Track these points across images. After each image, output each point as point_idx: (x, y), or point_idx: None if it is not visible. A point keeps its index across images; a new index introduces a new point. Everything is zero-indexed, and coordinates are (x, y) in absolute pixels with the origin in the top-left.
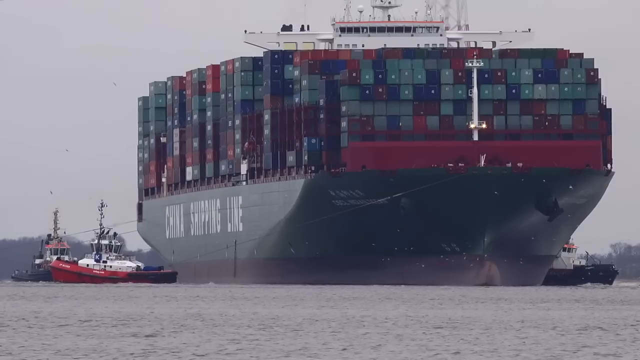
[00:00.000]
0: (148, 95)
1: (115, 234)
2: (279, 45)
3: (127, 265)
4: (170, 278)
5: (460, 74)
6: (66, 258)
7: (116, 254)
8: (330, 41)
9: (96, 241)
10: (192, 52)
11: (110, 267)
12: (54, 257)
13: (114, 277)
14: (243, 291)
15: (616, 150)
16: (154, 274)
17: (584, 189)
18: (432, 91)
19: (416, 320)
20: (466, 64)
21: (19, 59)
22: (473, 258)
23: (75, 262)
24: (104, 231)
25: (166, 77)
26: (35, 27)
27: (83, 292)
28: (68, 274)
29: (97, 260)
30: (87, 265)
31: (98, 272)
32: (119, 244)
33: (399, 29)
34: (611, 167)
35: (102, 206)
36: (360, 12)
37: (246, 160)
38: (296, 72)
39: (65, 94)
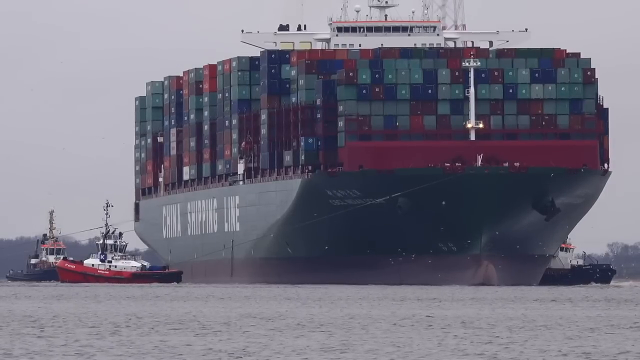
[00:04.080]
0: (145, 94)
1: (120, 233)
2: (276, 45)
3: (132, 265)
4: (175, 278)
5: (457, 73)
6: (62, 258)
7: (121, 254)
8: (327, 41)
9: (101, 241)
10: (189, 52)
11: (115, 267)
12: (50, 257)
13: (118, 277)
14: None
15: (613, 150)
16: (158, 273)
17: (581, 189)
18: (429, 91)
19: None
20: (463, 63)
21: (19, 60)
22: (470, 258)
23: (81, 262)
24: (109, 231)
25: (163, 77)
26: (34, 28)
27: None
28: (74, 274)
29: (102, 260)
30: (92, 265)
31: (103, 272)
32: (124, 243)
33: (395, 29)
34: (608, 167)
35: (107, 206)
36: (357, 11)
37: (243, 159)
38: (293, 72)
39: (62, 94)
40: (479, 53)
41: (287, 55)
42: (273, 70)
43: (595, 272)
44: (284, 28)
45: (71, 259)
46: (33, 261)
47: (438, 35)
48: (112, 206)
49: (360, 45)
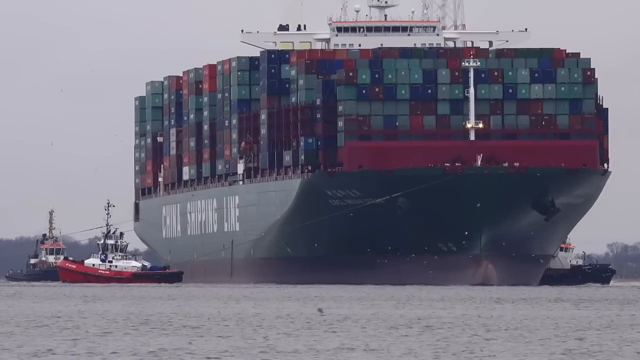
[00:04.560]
0: (145, 94)
1: (121, 233)
2: (275, 45)
3: (132, 265)
4: (176, 278)
5: (457, 73)
6: (61, 258)
7: (122, 254)
8: (327, 41)
9: (102, 241)
10: (188, 52)
11: (116, 266)
12: (50, 257)
13: (118, 277)
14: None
15: (613, 150)
16: (159, 273)
17: (581, 189)
18: (429, 91)
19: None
20: (463, 63)
21: (19, 60)
22: (470, 258)
23: (82, 262)
24: (110, 231)
25: (163, 77)
26: (34, 28)
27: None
28: (74, 274)
29: (103, 260)
30: (93, 265)
31: (103, 272)
32: (125, 243)
33: (395, 29)
34: (608, 167)
35: (108, 206)
36: (357, 11)
37: (243, 159)
38: (293, 72)
39: (62, 94)
40: (479, 53)
41: (286, 55)
42: (273, 70)
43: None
44: (283, 28)
45: (71, 258)
46: (33, 261)
47: (438, 35)
48: (113, 206)
49: (360, 45)
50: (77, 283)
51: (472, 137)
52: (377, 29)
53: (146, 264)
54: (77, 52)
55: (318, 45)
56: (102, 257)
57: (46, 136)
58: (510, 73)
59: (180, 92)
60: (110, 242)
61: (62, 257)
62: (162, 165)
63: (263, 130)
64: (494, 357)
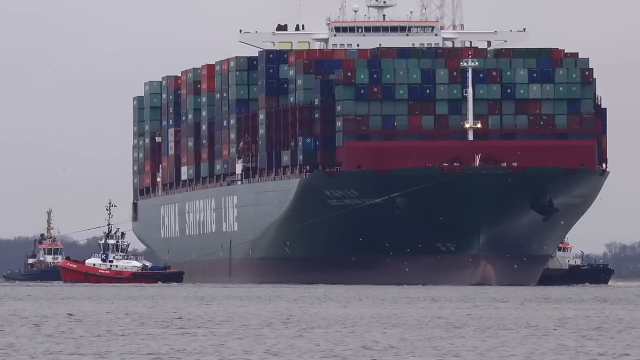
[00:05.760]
0: (143, 94)
1: (122, 233)
2: (274, 45)
3: (133, 264)
4: (176, 278)
5: (455, 73)
6: (59, 258)
7: (123, 254)
8: (325, 41)
9: (103, 241)
10: (187, 52)
11: (116, 266)
12: (48, 257)
13: (118, 277)
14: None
15: (611, 150)
16: (159, 273)
17: (579, 189)
18: (427, 91)
19: None
20: (461, 63)
21: (19, 61)
22: (468, 258)
23: (83, 262)
24: (111, 231)
25: (161, 77)
26: (34, 29)
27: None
28: (75, 274)
29: (104, 260)
30: (94, 264)
31: (103, 271)
32: (126, 243)
33: (394, 29)
34: (606, 167)
35: (110, 205)
36: (355, 11)
37: (241, 159)
38: (291, 72)
39: (60, 94)
40: (477, 53)
41: (285, 55)
42: (271, 70)
43: (593, 272)
44: (282, 28)
45: (72, 258)
46: (30, 261)
47: (436, 35)
48: (115, 206)
49: (358, 45)
50: (77, 283)
51: (471, 137)
52: (376, 29)
53: (147, 264)
54: (76, 52)
55: (316, 45)
56: (103, 256)
57: (46, 136)
58: (508, 73)
59: (179, 92)
60: (112, 242)
61: (59, 257)
62: (160, 165)
63: (261, 130)
64: None
